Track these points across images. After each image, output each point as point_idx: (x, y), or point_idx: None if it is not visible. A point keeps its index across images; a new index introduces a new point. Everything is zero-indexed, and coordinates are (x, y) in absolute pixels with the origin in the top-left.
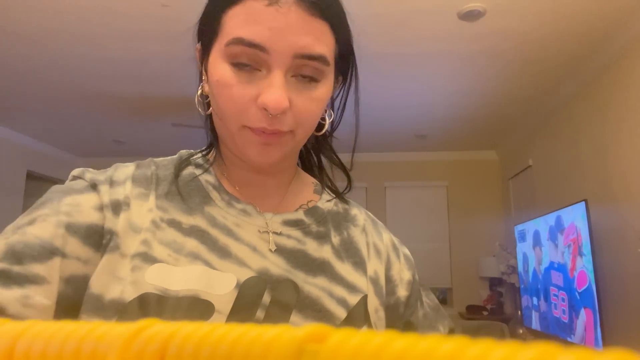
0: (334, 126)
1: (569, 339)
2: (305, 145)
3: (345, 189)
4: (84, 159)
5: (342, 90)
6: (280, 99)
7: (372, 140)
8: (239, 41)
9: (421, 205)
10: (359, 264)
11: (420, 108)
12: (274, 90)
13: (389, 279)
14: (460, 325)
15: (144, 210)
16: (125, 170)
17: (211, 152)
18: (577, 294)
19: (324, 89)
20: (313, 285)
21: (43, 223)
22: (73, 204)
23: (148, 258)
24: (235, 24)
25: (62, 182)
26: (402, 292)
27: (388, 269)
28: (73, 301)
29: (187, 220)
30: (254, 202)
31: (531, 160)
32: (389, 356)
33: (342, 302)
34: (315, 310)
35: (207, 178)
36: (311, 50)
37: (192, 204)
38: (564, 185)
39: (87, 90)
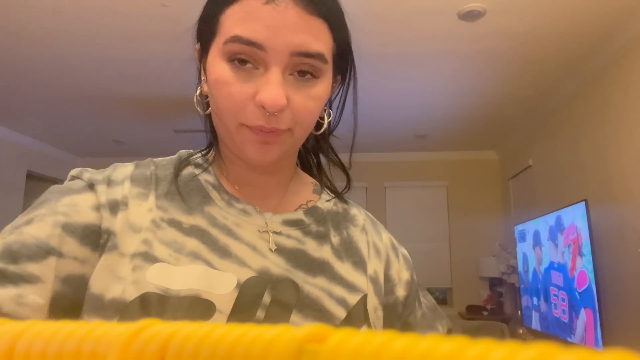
0: (332, 125)
1: (569, 339)
2: (304, 145)
3: (345, 188)
4: (84, 159)
5: (341, 90)
6: (278, 97)
7: (372, 140)
8: (236, 39)
9: (421, 205)
10: (359, 263)
11: (420, 108)
12: (272, 87)
13: (388, 278)
14: (460, 325)
15: (144, 209)
16: (124, 170)
17: (211, 152)
18: (577, 294)
19: (322, 87)
20: (313, 285)
21: (40, 223)
22: (70, 204)
23: (149, 257)
24: (233, 23)
25: (62, 182)
26: (400, 292)
27: (387, 268)
28: (73, 301)
29: (187, 220)
30: (254, 201)
31: (531, 160)
32: (389, 356)
33: (341, 302)
34: (315, 310)
35: (207, 178)
36: (308, 48)
37: (192, 204)
38: (564, 185)
39: (87, 90)
